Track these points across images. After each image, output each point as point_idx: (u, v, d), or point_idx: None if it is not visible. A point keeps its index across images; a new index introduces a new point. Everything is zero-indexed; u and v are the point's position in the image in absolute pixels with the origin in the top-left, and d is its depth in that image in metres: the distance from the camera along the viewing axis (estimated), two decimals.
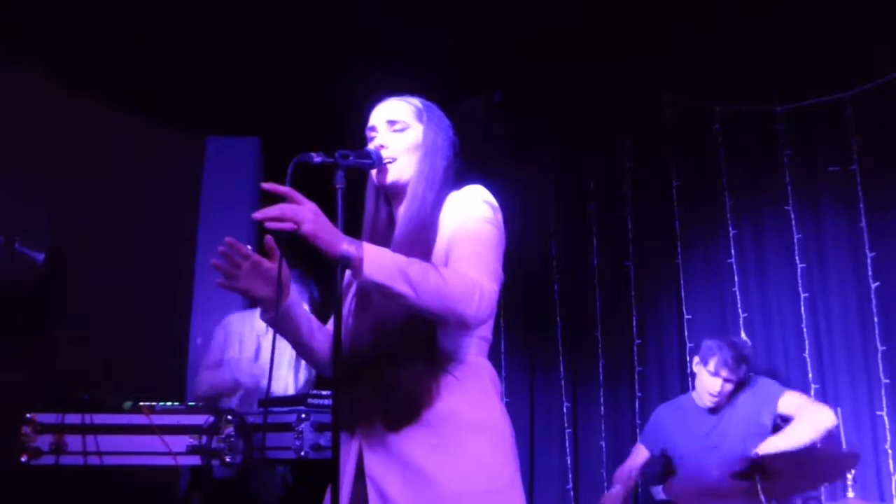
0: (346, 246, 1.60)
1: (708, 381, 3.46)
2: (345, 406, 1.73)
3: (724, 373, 3.42)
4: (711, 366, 3.43)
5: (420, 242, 1.79)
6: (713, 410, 3.51)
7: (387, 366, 1.72)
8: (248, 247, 1.75)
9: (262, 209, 1.57)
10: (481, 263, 1.73)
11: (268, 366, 3.59)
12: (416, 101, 1.96)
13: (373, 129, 1.94)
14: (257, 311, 3.81)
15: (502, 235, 1.84)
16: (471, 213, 1.81)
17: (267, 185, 1.61)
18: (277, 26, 4.05)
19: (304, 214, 1.58)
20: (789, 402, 3.38)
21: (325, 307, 2.03)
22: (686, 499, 3.30)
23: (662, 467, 3.69)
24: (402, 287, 1.60)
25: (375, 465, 1.73)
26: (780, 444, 3.18)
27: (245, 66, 4.38)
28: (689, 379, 3.88)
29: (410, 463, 1.69)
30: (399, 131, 1.90)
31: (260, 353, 3.73)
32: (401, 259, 1.64)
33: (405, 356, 1.72)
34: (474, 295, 1.67)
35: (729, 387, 3.45)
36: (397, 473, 1.70)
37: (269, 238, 1.72)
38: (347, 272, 1.73)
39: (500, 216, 1.86)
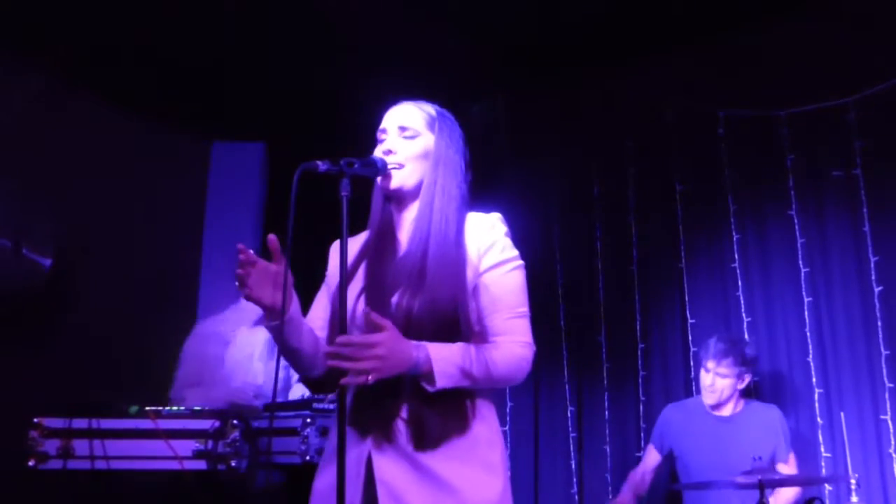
0: (415, 362, 1.71)
1: (702, 378, 3.55)
2: (362, 408, 1.75)
3: (712, 364, 3.48)
4: (705, 362, 3.54)
5: (450, 265, 1.82)
6: (716, 409, 3.53)
7: (414, 386, 1.75)
8: (251, 251, 1.74)
9: (335, 357, 1.65)
10: (523, 326, 1.88)
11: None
12: (430, 109, 1.97)
13: (384, 131, 1.94)
14: (225, 314, 3.79)
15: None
16: (503, 255, 1.88)
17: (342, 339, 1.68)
18: (282, 31, 4.07)
19: (370, 364, 1.64)
20: (789, 466, 3.44)
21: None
22: None
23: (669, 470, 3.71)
24: (465, 383, 1.76)
25: (389, 471, 1.74)
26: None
27: (250, 71, 4.40)
28: (693, 383, 3.90)
29: (432, 473, 1.72)
30: (409, 138, 1.91)
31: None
32: (460, 357, 1.74)
33: None
34: (521, 371, 1.85)
35: (723, 382, 3.48)
36: (416, 482, 1.72)
37: (271, 238, 1.73)
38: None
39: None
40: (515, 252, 1.91)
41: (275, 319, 1.77)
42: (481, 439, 1.79)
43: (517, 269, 1.90)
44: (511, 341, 1.83)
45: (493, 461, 1.79)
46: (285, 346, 1.85)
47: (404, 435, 1.74)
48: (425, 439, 1.73)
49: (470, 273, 1.84)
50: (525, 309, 1.89)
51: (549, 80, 4.52)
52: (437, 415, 1.74)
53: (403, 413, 1.76)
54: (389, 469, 1.74)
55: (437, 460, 1.73)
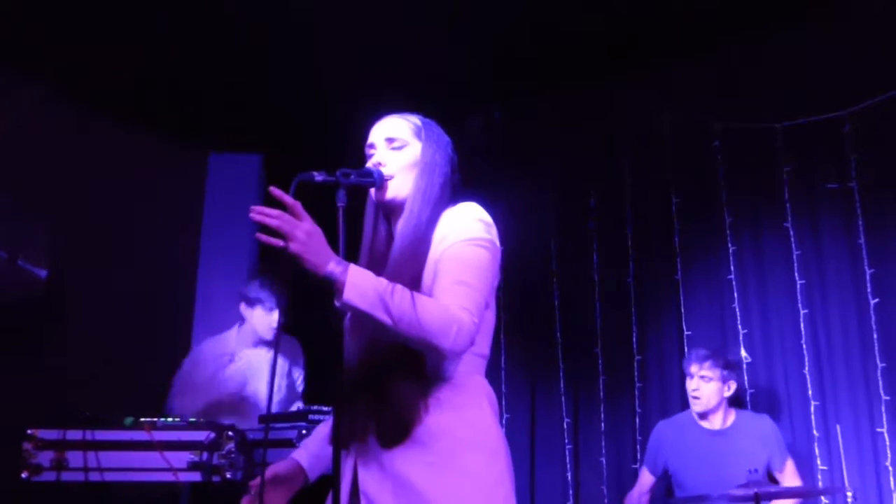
0: (333, 267, 1.62)
1: (687, 383, 3.58)
2: (344, 427, 1.73)
3: (694, 368, 3.52)
4: (688, 368, 3.57)
5: (413, 259, 1.79)
6: (705, 420, 3.53)
7: (379, 384, 1.74)
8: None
9: (262, 208, 1.59)
10: (465, 293, 1.71)
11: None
12: (414, 119, 1.97)
13: (371, 146, 1.95)
14: (227, 334, 3.88)
15: (495, 254, 1.82)
16: (461, 234, 1.78)
17: (275, 191, 1.62)
18: (280, 44, 4.09)
19: (296, 233, 1.59)
20: (788, 473, 3.46)
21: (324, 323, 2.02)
22: None
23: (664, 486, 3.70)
24: (379, 314, 1.62)
25: (369, 482, 1.73)
26: None
27: (247, 83, 4.41)
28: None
29: (404, 481, 1.70)
30: (397, 149, 1.91)
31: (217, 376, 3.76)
32: (383, 285, 1.64)
33: (396, 374, 1.73)
34: (451, 329, 1.66)
35: (707, 387, 3.50)
36: (390, 491, 1.70)
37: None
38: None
39: (493, 232, 1.84)
40: (480, 233, 1.79)
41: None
42: (461, 442, 1.73)
43: (475, 246, 1.77)
44: (447, 302, 1.69)
45: (473, 466, 1.71)
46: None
47: (375, 439, 1.73)
48: (388, 433, 1.70)
49: (429, 266, 1.78)
50: (474, 282, 1.73)
51: (546, 91, 4.54)
52: (397, 410, 1.70)
53: (372, 415, 1.73)
54: (370, 481, 1.73)
55: (411, 467, 1.70)
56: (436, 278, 1.75)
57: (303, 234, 1.59)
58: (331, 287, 1.62)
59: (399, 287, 1.65)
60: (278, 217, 1.59)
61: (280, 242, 1.59)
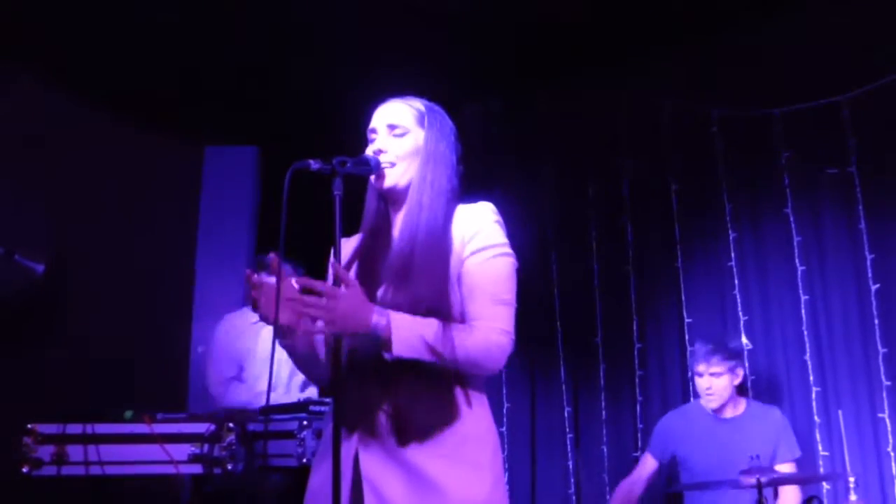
0: (376, 320, 1.68)
1: (699, 385, 3.55)
2: (349, 405, 1.73)
3: (703, 367, 3.49)
4: (696, 367, 3.55)
5: (432, 251, 1.81)
6: (719, 414, 3.52)
7: (391, 374, 1.73)
8: (258, 275, 1.79)
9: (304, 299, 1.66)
10: (503, 314, 1.83)
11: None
12: (418, 104, 1.96)
13: (373, 131, 1.94)
14: (244, 309, 3.86)
15: (514, 259, 1.89)
16: (487, 240, 1.84)
17: (301, 280, 1.72)
18: (276, 35, 4.07)
19: (331, 314, 1.64)
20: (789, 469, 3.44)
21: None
22: None
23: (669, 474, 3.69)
24: (428, 357, 1.71)
25: (375, 469, 1.73)
26: None
27: (243, 75, 4.39)
28: (690, 382, 3.89)
29: (417, 471, 1.71)
30: (399, 136, 1.90)
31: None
32: (425, 329, 1.71)
33: (411, 369, 1.73)
34: (493, 354, 1.80)
35: (719, 382, 3.48)
36: (401, 480, 1.71)
37: (272, 258, 1.73)
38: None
39: (505, 232, 1.90)
40: (502, 239, 1.87)
41: (287, 338, 1.84)
42: (470, 436, 1.76)
43: (501, 256, 1.86)
44: (487, 326, 1.80)
45: (481, 459, 1.76)
46: (299, 357, 1.91)
47: (388, 431, 1.73)
48: (407, 434, 1.71)
49: (454, 264, 1.82)
50: (508, 297, 1.84)
51: (545, 80, 4.52)
52: (422, 410, 1.72)
53: (387, 408, 1.74)
54: (375, 467, 1.73)
55: (423, 458, 1.71)
56: (471, 294, 1.82)
57: (332, 313, 1.65)
58: (375, 339, 1.69)
59: (439, 326, 1.72)
60: (313, 305, 1.66)
61: (319, 329, 1.71)
